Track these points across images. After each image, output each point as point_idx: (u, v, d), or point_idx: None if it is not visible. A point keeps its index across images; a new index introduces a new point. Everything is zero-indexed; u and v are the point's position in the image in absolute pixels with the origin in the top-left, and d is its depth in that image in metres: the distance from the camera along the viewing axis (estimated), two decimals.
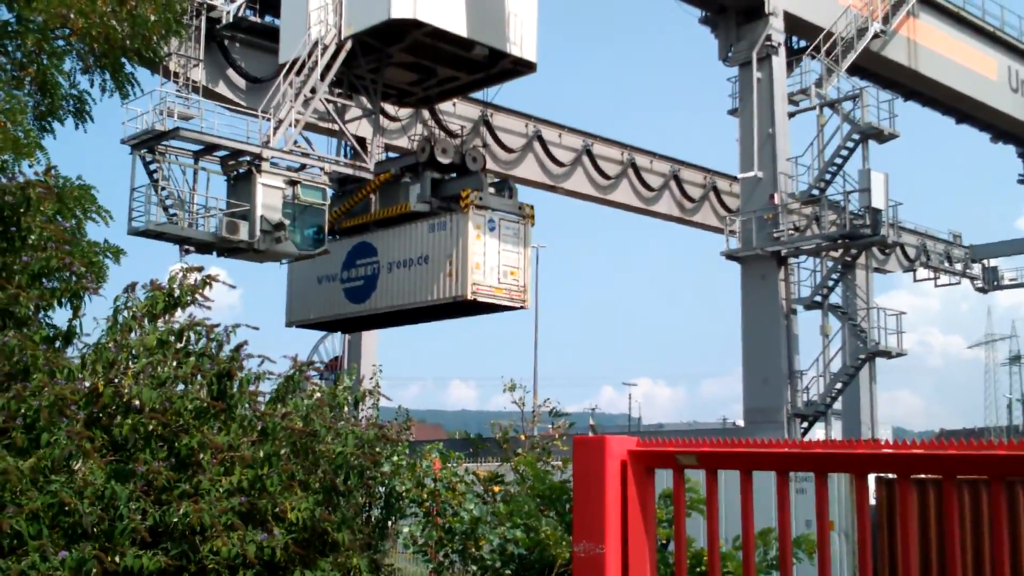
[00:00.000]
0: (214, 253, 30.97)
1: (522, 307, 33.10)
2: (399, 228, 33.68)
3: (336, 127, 33.99)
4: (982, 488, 20.66)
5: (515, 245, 32.66)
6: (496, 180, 33.75)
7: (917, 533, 21.28)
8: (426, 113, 39.45)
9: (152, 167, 29.99)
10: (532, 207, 33.12)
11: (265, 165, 30.31)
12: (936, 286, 59.70)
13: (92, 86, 15.50)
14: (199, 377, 9.62)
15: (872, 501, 23.20)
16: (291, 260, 35.58)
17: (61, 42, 14.76)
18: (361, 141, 34.57)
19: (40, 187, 10.42)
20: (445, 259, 31.97)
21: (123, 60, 15.42)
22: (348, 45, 31.48)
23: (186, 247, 30.35)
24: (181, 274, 10.53)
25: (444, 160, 32.97)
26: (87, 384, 9.16)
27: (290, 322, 36.77)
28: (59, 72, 14.59)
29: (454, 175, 33.72)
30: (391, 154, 36.94)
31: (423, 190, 33.05)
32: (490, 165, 41.76)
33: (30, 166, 12.40)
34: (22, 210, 10.13)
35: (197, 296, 10.40)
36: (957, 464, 4.89)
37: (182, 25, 16.88)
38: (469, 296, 31.34)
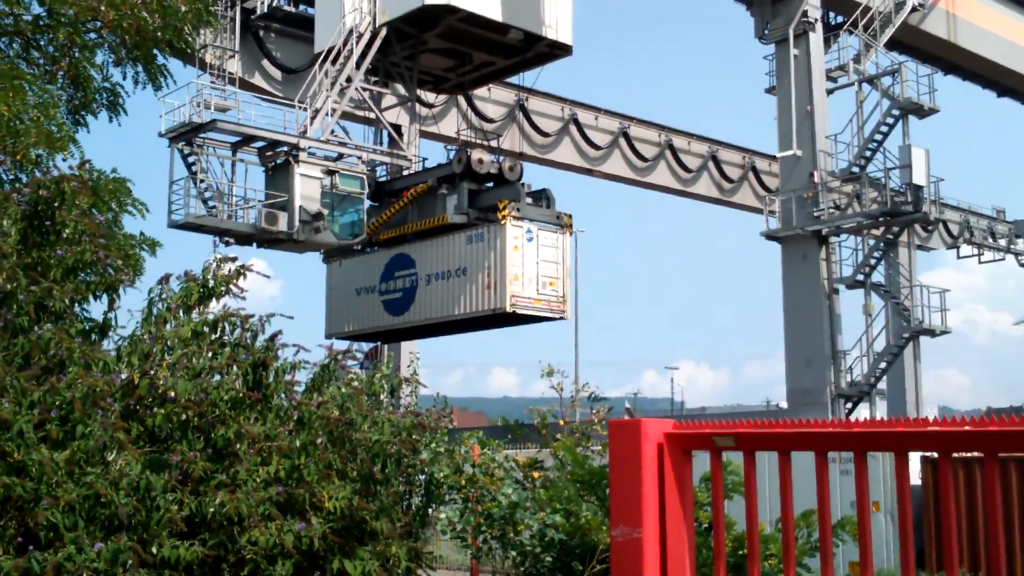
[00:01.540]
0: (254, 244, 31.10)
1: (561, 318, 32.99)
2: (436, 240, 33.59)
3: (372, 115, 34.02)
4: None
5: (554, 255, 32.52)
6: (534, 190, 33.61)
7: (965, 511, 21.12)
8: (461, 99, 39.38)
9: (190, 159, 30.15)
10: (570, 216, 32.93)
11: (303, 155, 30.35)
12: (980, 263, 58.95)
13: (125, 78, 15.56)
14: (234, 368, 9.60)
15: (918, 482, 23.02)
16: (331, 250, 35.73)
17: (92, 35, 14.80)
18: (396, 128, 34.60)
19: (74, 181, 10.42)
20: (483, 271, 31.88)
21: (155, 51, 15.43)
22: (383, 32, 31.45)
23: (226, 239, 30.48)
24: (215, 264, 10.51)
25: (481, 170, 32.89)
26: (123, 376, 9.16)
27: (329, 334, 36.86)
28: (91, 65, 14.63)
29: (491, 185, 33.65)
30: (426, 161, 36.89)
31: (460, 201, 32.93)
32: (526, 149, 41.67)
33: (64, 160, 12.43)
34: (56, 204, 10.13)
35: (231, 286, 10.38)
36: (999, 441, 4.78)
37: (213, 15, 16.89)
38: (508, 309, 31.23)
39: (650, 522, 5.70)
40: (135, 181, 14.62)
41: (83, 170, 11.76)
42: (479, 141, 37.97)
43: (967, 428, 4.93)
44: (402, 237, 34.67)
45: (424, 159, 36.69)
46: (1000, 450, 4.93)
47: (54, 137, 13.36)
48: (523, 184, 33.00)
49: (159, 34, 15.17)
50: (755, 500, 5.69)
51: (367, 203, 32.71)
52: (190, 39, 16.39)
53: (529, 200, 32.50)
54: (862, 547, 5.37)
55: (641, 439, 5.77)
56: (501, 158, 33.84)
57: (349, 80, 31.21)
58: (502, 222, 31.30)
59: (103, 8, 14.31)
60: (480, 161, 32.60)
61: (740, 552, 9.14)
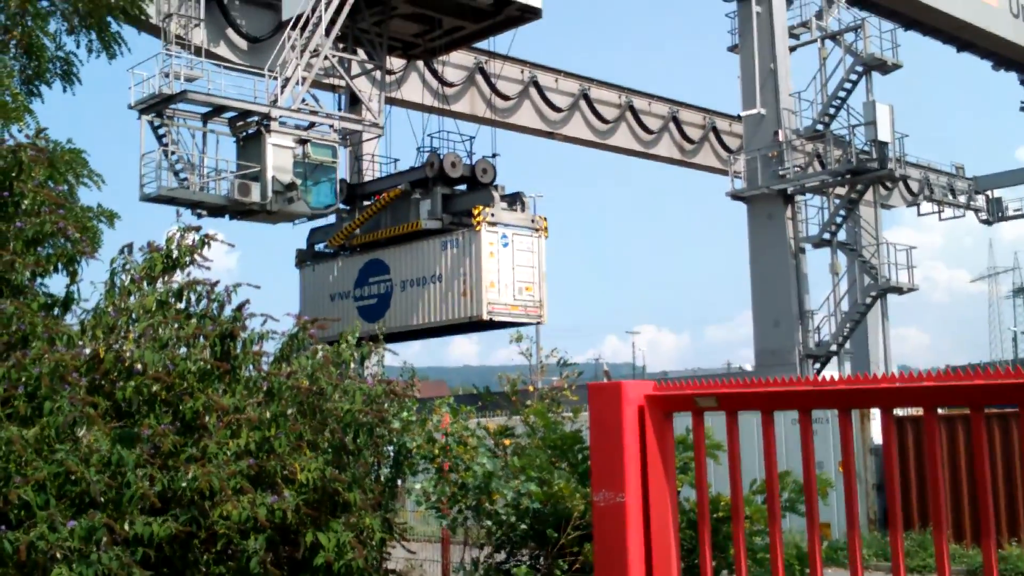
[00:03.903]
0: (227, 216, 30.90)
1: (539, 323, 32.96)
2: (411, 245, 33.58)
3: (341, 82, 33.83)
4: (958, 423, 20.67)
5: (529, 259, 32.51)
6: (508, 192, 33.55)
7: (914, 469, 21.17)
8: (421, 63, 39.12)
9: (160, 131, 29.88)
10: (545, 219, 33.05)
11: (274, 125, 30.17)
12: (940, 220, 59.22)
13: (78, 47, 15.28)
14: (201, 339, 9.41)
15: (879, 440, 23.11)
16: (303, 254, 35.73)
17: (45, 3, 14.49)
18: (346, 95, 34.54)
19: (32, 150, 10.17)
20: (459, 278, 31.87)
21: (109, 19, 15.12)
22: None
23: (198, 211, 30.33)
24: (179, 235, 10.30)
25: (453, 174, 32.77)
26: (87, 350, 8.97)
27: None
28: (44, 34, 14.33)
29: (464, 188, 33.56)
30: (397, 163, 36.65)
31: (434, 206, 32.92)
32: (486, 114, 41.43)
33: (20, 131, 12.15)
34: (14, 175, 9.89)
35: (196, 256, 10.18)
36: (986, 394, 4.70)
37: None
38: (485, 316, 31.32)
39: (632, 486, 5.60)
40: (90, 152, 14.37)
41: (39, 138, 11.49)
42: (442, 106, 37.82)
43: (955, 382, 4.84)
44: (375, 242, 34.62)
45: (396, 159, 36.73)
46: (987, 403, 4.86)
47: (8, 108, 13.08)
48: (496, 186, 33.01)
49: (112, 1, 14.85)
50: (738, 461, 5.60)
51: (340, 172, 32.67)
52: (144, 5, 16.08)
53: (503, 204, 32.50)
54: (849, 506, 5.30)
55: (622, 402, 5.67)
56: (474, 159, 33.85)
57: (318, 48, 30.91)
58: (477, 228, 31.30)
59: None
60: (453, 165, 32.56)
61: (715, 515, 9.05)
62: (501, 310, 31.46)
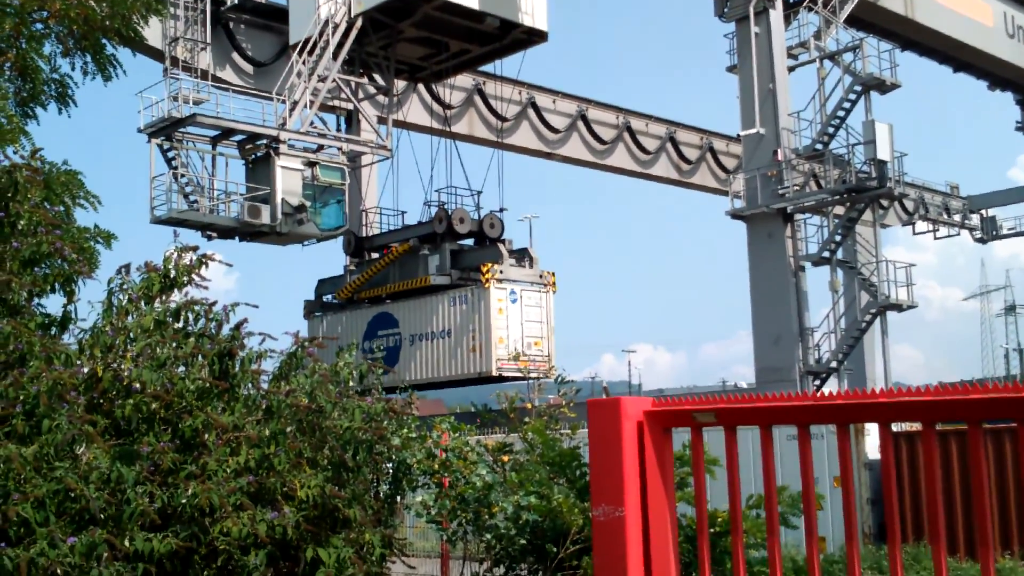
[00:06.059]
0: (236, 238, 31.03)
1: (547, 377, 33.19)
2: (420, 300, 33.95)
3: (347, 104, 34.05)
4: (952, 439, 20.78)
5: (538, 315, 32.84)
6: (515, 248, 33.85)
7: (908, 484, 21.16)
8: (421, 86, 39.30)
9: (170, 154, 30.03)
10: (553, 274, 33.45)
11: (283, 147, 30.42)
12: (935, 238, 59.33)
13: (73, 69, 15.29)
14: (200, 357, 9.42)
15: (872, 455, 23.11)
16: (312, 306, 35.93)
17: (39, 25, 14.51)
18: (357, 115, 34.65)
19: (27, 170, 10.18)
20: (468, 333, 32.13)
21: (104, 41, 15.15)
22: (359, 23, 31.34)
23: (208, 233, 30.47)
24: (176, 255, 10.31)
25: (462, 230, 33.08)
26: (86, 369, 8.97)
27: None
28: (39, 56, 14.35)
29: (472, 242, 33.90)
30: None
31: (442, 262, 33.29)
32: (484, 134, 41.57)
33: (15, 152, 12.14)
34: (9, 195, 9.89)
35: (194, 276, 10.19)
36: (984, 409, 4.72)
37: (162, 2, 16.59)
38: (494, 372, 31.77)
39: (631, 500, 5.62)
40: (87, 173, 14.38)
41: (35, 159, 11.49)
42: (443, 128, 37.99)
43: (953, 397, 4.86)
44: (384, 296, 34.81)
45: (403, 212, 37.02)
46: (984, 418, 4.87)
47: (4, 129, 13.07)
48: (504, 240, 33.29)
49: (107, 23, 14.88)
50: (737, 475, 5.62)
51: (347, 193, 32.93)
52: (139, 28, 16.10)
53: (511, 261, 32.74)
54: (848, 523, 5.30)
55: (621, 417, 5.69)
56: (481, 213, 34.17)
57: (327, 72, 31.13)
58: (486, 285, 31.57)
59: None
60: (461, 221, 32.91)
61: (712, 530, 9.05)
62: (510, 365, 31.65)
